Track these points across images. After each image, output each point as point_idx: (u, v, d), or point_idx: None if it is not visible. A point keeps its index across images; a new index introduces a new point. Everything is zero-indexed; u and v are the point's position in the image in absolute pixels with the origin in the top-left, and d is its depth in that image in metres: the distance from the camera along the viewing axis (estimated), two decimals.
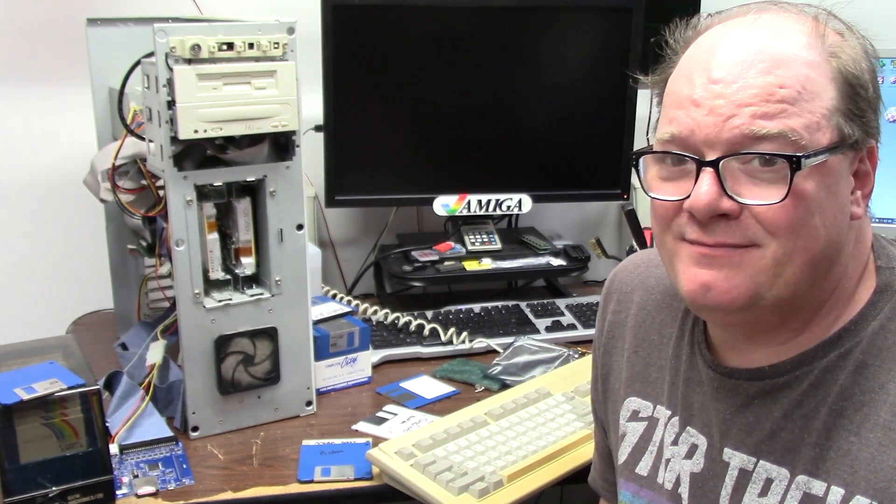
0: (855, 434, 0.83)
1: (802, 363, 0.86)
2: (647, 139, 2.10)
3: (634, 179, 2.01)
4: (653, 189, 0.87)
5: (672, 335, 1.01)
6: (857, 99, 0.82)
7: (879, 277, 0.87)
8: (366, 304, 1.77)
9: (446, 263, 1.87)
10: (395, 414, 1.45)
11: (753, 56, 0.81)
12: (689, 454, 0.95)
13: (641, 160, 0.89)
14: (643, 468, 1.01)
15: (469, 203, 1.90)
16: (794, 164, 0.78)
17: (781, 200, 0.79)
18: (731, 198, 0.81)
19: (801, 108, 0.80)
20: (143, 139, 1.36)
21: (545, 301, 1.88)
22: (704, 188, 0.81)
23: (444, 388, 1.54)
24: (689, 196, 0.82)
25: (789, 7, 0.86)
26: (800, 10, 0.85)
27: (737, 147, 0.80)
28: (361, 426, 1.41)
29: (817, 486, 0.84)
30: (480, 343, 1.67)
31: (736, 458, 0.90)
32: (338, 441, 1.36)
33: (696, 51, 0.86)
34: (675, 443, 0.97)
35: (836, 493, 0.82)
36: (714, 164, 0.81)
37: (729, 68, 0.81)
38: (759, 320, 0.86)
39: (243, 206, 1.37)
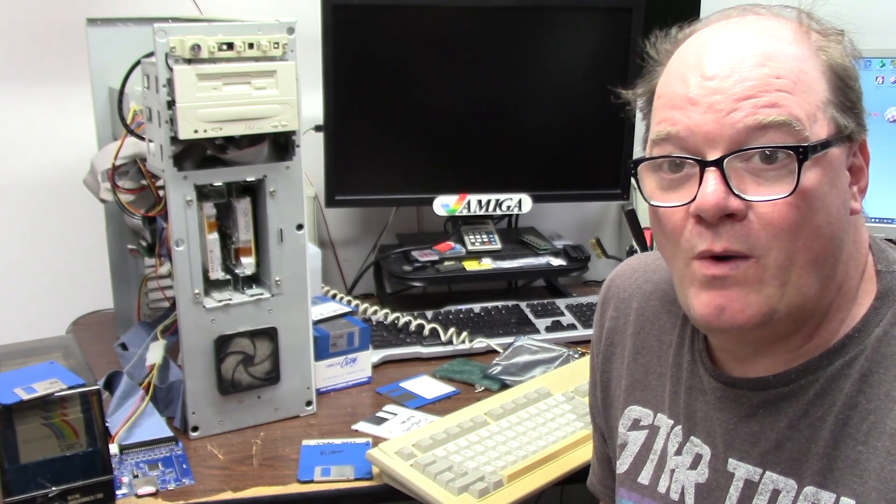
0: (862, 443, 0.82)
1: (807, 372, 0.85)
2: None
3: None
4: (654, 200, 0.85)
5: (672, 342, 1.00)
6: (848, 91, 0.83)
7: (880, 282, 0.87)
8: (366, 304, 1.77)
9: (446, 263, 1.87)
10: (395, 414, 1.45)
11: (745, 50, 0.80)
12: (694, 464, 0.94)
13: (639, 171, 0.86)
14: (644, 477, 1.00)
15: (469, 203, 1.90)
16: (801, 154, 0.77)
17: (790, 194, 0.78)
18: (737, 196, 0.79)
19: (799, 98, 0.79)
20: (143, 139, 1.36)
21: (545, 301, 1.88)
22: (711, 188, 0.79)
23: (444, 388, 1.54)
24: (693, 199, 0.81)
25: (770, 9, 0.86)
26: (778, 13, 0.86)
27: (739, 143, 0.79)
28: (361, 426, 1.41)
29: (826, 498, 0.83)
30: (480, 343, 1.67)
31: (741, 469, 0.89)
32: (338, 441, 1.36)
33: (684, 52, 0.86)
34: (678, 453, 0.96)
35: (847, 503, 0.81)
36: (718, 162, 0.79)
37: (723, 63, 0.80)
38: (775, 332, 0.85)
39: (243, 206, 1.37)
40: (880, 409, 0.82)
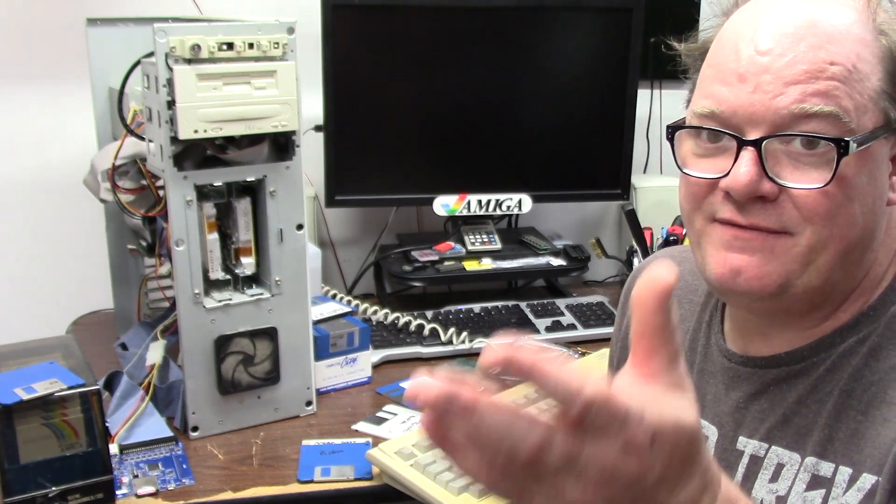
0: (862, 413, 0.81)
1: (820, 349, 0.85)
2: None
3: (635, 179, 2.01)
4: (687, 165, 0.84)
5: (689, 328, 1.00)
6: None
7: None
8: (366, 304, 1.77)
9: (446, 263, 1.87)
10: (395, 414, 1.45)
11: (805, 28, 0.78)
12: None
13: (676, 135, 0.85)
14: None
15: (469, 203, 1.90)
16: (842, 148, 0.76)
17: (825, 185, 0.76)
18: (771, 180, 0.78)
19: (851, 89, 0.77)
20: (143, 139, 1.36)
21: (545, 301, 1.88)
22: (744, 168, 0.78)
23: None
24: (726, 174, 0.79)
25: None
26: None
27: (781, 127, 0.77)
28: (361, 426, 1.41)
29: (825, 468, 0.82)
30: (480, 343, 1.67)
31: (750, 446, 0.89)
32: (338, 441, 1.36)
33: (740, 19, 0.83)
34: None
35: (844, 472, 0.81)
36: (756, 143, 0.78)
37: (778, 39, 0.78)
38: (788, 307, 0.84)
39: (243, 206, 1.37)
40: (883, 380, 0.81)
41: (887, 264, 0.86)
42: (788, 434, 0.86)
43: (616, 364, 1.11)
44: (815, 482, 0.83)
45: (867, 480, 0.79)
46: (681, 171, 0.85)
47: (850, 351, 0.84)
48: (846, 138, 0.76)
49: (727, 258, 0.81)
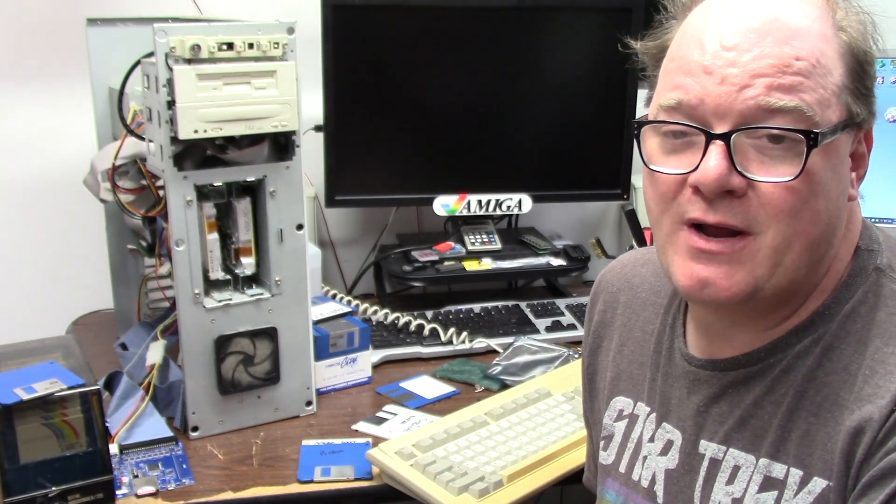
0: (814, 414, 0.82)
1: (776, 350, 0.86)
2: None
3: (635, 179, 2.01)
4: (653, 163, 0.84)
5: (654, 331, 1.00)
6: (864, 77, 0.81)
7: (856, 260, 0.86)
8: (366, 304, 1.77)
9: (446, 263, 1.87)
10: (395, 414, 1.45)
11: (769, 24, 0.78)
12: (665, 450, 0.94)
13: (641, 132, 0.85)
14: (622, 466, 1.01)
15: (469, 203, 1.90)
16: (812, 140, 0.76)
17: (795, 178, 0.77)
18: (740, 174, 0.78)
19: (815, 83, 0.77)
20: (143, 139, 1.36)
21: (545, 301, 1.88)
22: (714, 162, 0.77)
23: (444, 388, 1.54)
24: (694, 170, 0.79)
25: None
26: None
27: (749, 120, 0.77)
28: (361, 426, 1.41)
29: (777, 469, 0.83)
30: (480, 343, 1.67)
31: (710, 449, 0.89)
32: (338, 441, 1.36)
33: (703, 14, 0.83)
34: (651, 440, 0.96)
35: (795, 474, 0.82)
36: (725, 137, 0.78)
37: (744, 35, 0.78)
38: (756, 307, 0.85)
39: (243, 206, 1.37)
40: (836, 381, 0.82)
41: (847, 260, 0.86)
42: (745, 436, 0.86)
43: (586, 367, 1.10)
44: (768, 483, 0.84)
45: (818, 484, 0.80)
46: (647, 167, 0.84)
47: (805, 351, 0.84)
48: (815, 130, 0.76)
49: (693, 269, 0.82)
